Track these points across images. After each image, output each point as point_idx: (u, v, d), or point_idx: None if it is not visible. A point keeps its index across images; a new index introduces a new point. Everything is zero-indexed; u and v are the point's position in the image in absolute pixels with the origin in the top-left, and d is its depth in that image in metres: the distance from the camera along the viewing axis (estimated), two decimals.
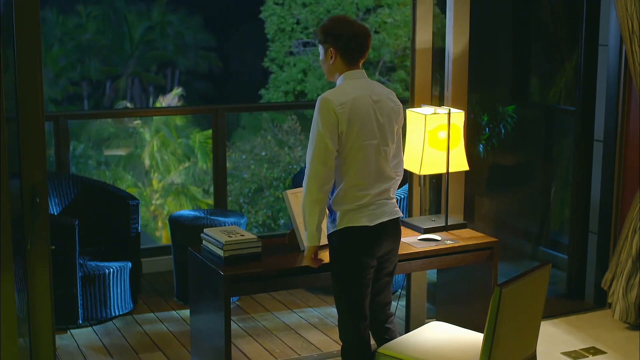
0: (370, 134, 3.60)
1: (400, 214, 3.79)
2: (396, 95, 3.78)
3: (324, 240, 3.82)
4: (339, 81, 3.66)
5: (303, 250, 4.04)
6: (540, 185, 6.16)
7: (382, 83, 14.21)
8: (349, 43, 3.61)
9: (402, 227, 4.50)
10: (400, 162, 3.81)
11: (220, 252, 3.80)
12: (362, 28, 3.67)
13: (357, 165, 3.59)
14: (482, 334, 3.29)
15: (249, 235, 3.91)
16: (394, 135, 3.71)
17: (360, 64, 3.69)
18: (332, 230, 3.67)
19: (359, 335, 3.72)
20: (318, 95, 14.89)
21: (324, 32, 3.67)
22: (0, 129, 3.40)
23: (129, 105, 15.88)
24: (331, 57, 3.64)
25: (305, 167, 6.13)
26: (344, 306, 3.73)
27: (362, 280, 3.66)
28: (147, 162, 12.89)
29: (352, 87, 3.61)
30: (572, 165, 5.65)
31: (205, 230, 3.97)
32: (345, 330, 3.75)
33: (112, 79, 16.45)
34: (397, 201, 3.84)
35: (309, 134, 3.62)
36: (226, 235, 3.87)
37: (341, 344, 3.79)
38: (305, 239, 3.67)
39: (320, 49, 3.72)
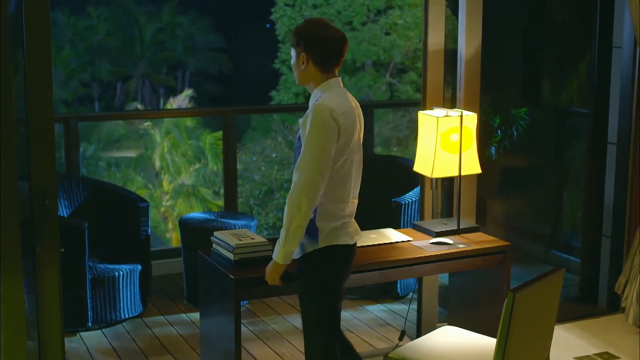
0: (355, 147, 3.46)
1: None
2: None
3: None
4: (319, 90, 3.44)
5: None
6: (552, 188, 6.12)
7: (393, 85, 14.23)
8: (323, 49, 3.40)
9: (414, 230, 4.49)
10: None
11: (230, 256, 3.77)
12: (339, 33, 3.44)
13: (343, 181, 3.43)
14: (495, 339, 3.25)
15: (259, 239, 3.87)
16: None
17: (336, 72, 3.49)
18: (311, 249, 3.42)
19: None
20: None
21: (297, 35, 3.44)
22: (10, 131, 3.39)
23: (139, 106, 15.90)
24: (303, 63, 3.42)
25: None
26: (318, 338, 3.52)
27: (338, 303, 3.50)
28: (157, 163, 12.89)
29: (340, 97, 3.42)
30: (585, 168, 5.60)
31: (215, 233, 3.94)
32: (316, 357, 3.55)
33: (122, 81, 16.48)
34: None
35: (295, 144, 3.45)
36: (236, 238, 3.84)
37: None
38: (278, 255, 3.40)
39: (293, 52, 3.49)
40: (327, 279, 3.46)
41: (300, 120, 3.41)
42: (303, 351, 4.57)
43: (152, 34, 16.53)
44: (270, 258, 3.66)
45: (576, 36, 5.88)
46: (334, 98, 3.38)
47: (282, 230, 3.36)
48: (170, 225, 12.42)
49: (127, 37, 16.48)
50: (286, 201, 3.36)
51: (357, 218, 3.59)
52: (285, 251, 3.38)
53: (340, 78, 3.49)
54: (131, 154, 13.42)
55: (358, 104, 3.53)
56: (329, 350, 3.51)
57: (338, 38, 3.42)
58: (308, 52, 3.40)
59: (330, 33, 3.42)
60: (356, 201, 3.56)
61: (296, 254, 3.47)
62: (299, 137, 3.42)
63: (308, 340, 3.56)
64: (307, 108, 3.43)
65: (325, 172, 3.31)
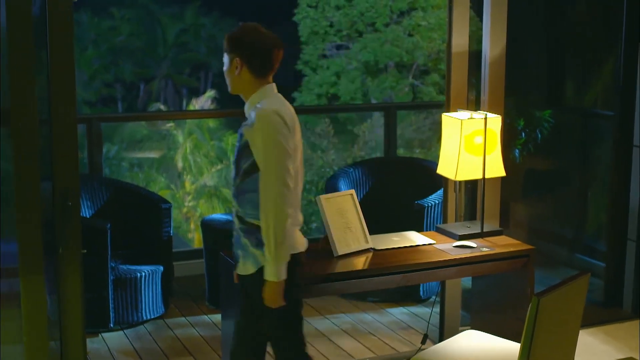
0: (298, 153, 3.37)
1: None
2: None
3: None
4: (256, 97, 3.33)
5: (336, 257, 3.98)
6: (576, 191, 6.07)
7: (416, 87, 14.18)
8: (257, 54, 3.29)
9: (437, 233, 4.46)
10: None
11: None
12: (274, 39, 3.32)
13: (294, 185, 3.31)
14: (518, 344, 3.22)
15: None
16: None
17: (270, 78, 3.37)
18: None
19: None
20: (351, 98, 14.78)
21: (230, 40, 3.32)
22: (34, 132, 3.39)
23: (162, 107, 15.94)
24: (237, 68, 3.30)
25: (339, 171, 6.10)
26: (290, 346, 3.49)
27: (300, 314, 3.46)
28: (179, 164, 12.91)
29: (280, 102, 3.32)
30: (610, 171, 5.55)
31: None
32: None
33: (145, 81, 16.53)
34: None
35: (235, 155, 3.34)
36: None
37: None
38: (272, 274, 3.23)
39: (225, 58, 3.36)
40: (290, 291, 3.32)
41: (241, 130, 3.30)
42: (325, 354, 4.57)
43: (175, 35, 16.58)
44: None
45: (601, 35, 5.82)
46: (275, 103, 3.30)
47: (266, 248, 3.21)
48: (192, 226, 12.43)
49: (150, 38, 16.53)
50: (260, 216, 3.24)
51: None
52: (278, 266, 3.23)
53: (274, 84, 3.39)
54: (154, 154, 13.46)
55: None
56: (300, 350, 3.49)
57: (272, 43, 3.32)
58: (242, 57, 3.30)
59: (264, 38, 3.31)
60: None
61: (248, 269, 3.35)
62: (240, 148, 3.31)
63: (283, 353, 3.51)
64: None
65: (291, 174, 3.23)
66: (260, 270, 3.28)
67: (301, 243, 3.41)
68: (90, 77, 15.82)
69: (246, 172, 3.29)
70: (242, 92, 3.38)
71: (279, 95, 3.38)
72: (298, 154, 3.36)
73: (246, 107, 3.38)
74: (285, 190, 3.20)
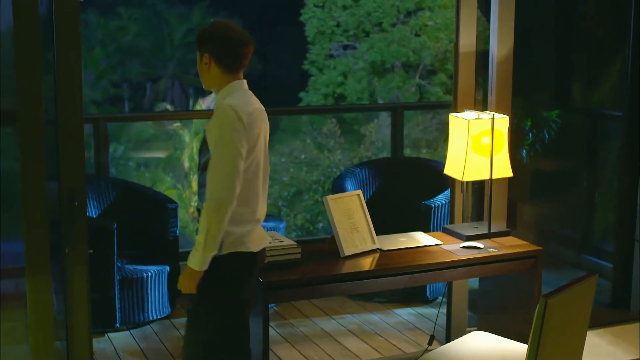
0: (261, 149, 3.39)
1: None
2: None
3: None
4: (224, 92, 3.38)
5: (343, 257, 3.98)
6: (584, 191, 6.04)
7: (423, 87, 14.15)
8: (225, 49, 3.35)
9: (444, 234, 4.45)
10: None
11: None
12: (242, 36, 3.37)
13: (251, 182, 3.34)
14: (525, 345, 3.20)
15: (288, 242, 3.85)
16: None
17: (241, 74, 3.43)
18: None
19: None
20: (358, 98, 14.76)
21: (200, 36, 3.40)
22: (40, 132, 3.39)
23: (168, 107, 15.94)
24: (207, 64, 3.37)
25: (345, 171, 6.09)
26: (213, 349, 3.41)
27: (241, 319, 3.42)
28: (186, 164, 12.91)
29: (245, 98, 3.37)
30: (618, 172, 5.53)
31: None
32: None
33: (152, 81, 16.53)
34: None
35: (202, 153, 3.35)
36: None
37: None
38: (195, 261, 3.24)
39: (198, 55, 3.43)
40: (227, 290, 3.35)
41: (205, 125, 3.35)
42: (332, 355, 4.55)
43: (182, 35, 16.58)
44: (299, 261, 3.64)
45: (609, 35, 5.79)
46: (239, 99, 3.33)
47: (198, 235, 3.23)
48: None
49: (157, 38, 16.53)
50: (203, 206, 3.26)
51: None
52: (204, 256, 3.22)
53: (245, 80, 3.44)
54: (160, 154, 13.47)
55: (264, 108, 3.46)
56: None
57: (240, 40, 3.37)
58: (211, 53, 3.36)
59: (233, 34, 3.37)
60: (265, 205, 3.47)
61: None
62: (201, 142, 3.36)
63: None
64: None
65: (239, 170, 3.24)
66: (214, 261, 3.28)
67: (254, 242, 3.38)
68: (97, 76, 15.83)
69: (204, 166, 3.31)
70: (213, 88, 3.43)
71: (249, 92, 3.43)
72: (259, 150, 3.37)
73: (215, 103, 3.42)
74: (227, 189, 3.20)
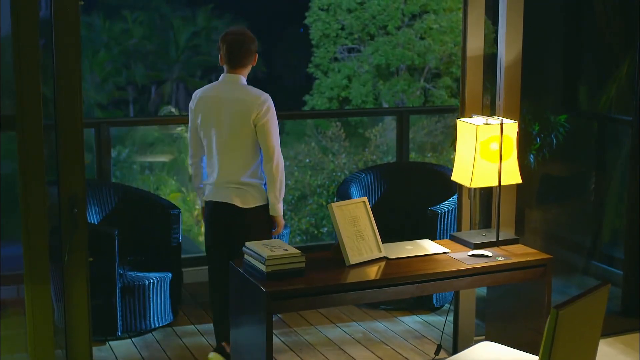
0: (215, 127, 4.44)
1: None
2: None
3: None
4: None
5: (348, 266, 3.90)
6: (593, 197, 5.97)
7: (427, 90, 14.08)
8: (223, 47, 4.31)
9: (451, 242, 4.36)
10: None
11: (262, 267, 3.67)
12: (235, 36, 4.30)
13: (210, 152, 4.61)
14: (534, 356, 3.13)
15: (292, 250, 3.77)
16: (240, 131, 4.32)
17: (241, 71, 4.36)
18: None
19: None
20: (362, 101, 14.71)
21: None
22: (39, 137, 3.34)
23: (173, 110, 15.90)
24: (220, 59, 4.37)
25: (350, 176, 6.02)
26: None
27: None
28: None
29: (216, 85, 4.41)
30: (628, 177, 5.45)
31: (247, 243, 3.85)
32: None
33: (157, 84, 16.51)
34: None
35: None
36: (269, 249, 3.73)
37: None
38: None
39: None
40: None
41: None
42: None
43: (187, 38, 16.55)
44: (303, 270, 3.60)
45: (618, 39, 5.72)
46: (211, 86, 4.42)
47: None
48: (203, 229, 12.38)
49: (162, 41, 16.51)
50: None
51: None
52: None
53: (238, 76, 4.36)
54: (165, 158, 13.43)
55: (249, 99, 4.29)
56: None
57: (231, 40, 4.31)
58: (219, 51, 4.37)
59: (229, 36, 4.32)
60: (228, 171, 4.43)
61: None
62: None
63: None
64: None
65: (191, 140, 4.69)
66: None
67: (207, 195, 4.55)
68: (102, 79, 15.81)
69: None
70: None
71: (226, 82, 4.37)
72: (210, 126, 4.44)
73: None
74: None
